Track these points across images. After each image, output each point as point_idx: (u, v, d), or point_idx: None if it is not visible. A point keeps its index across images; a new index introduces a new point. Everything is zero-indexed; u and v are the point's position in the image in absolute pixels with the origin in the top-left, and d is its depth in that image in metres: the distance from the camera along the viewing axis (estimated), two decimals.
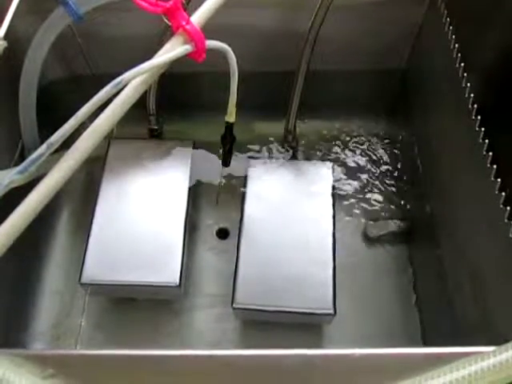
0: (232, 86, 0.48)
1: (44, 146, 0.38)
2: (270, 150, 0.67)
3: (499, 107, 0.42)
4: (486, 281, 0.43)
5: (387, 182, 0.66)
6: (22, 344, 0.55)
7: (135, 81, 0.40)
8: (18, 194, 0.38)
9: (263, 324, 0.55)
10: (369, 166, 0.67)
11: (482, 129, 0.42)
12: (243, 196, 0.57)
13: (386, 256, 0.61)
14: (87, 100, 0.37)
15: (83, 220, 0.59)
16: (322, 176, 0.58)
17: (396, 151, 0.68)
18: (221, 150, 0.58)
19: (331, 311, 0.50)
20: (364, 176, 0.66)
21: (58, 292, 0.59)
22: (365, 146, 0.69)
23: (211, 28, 0.42)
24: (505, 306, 0.39)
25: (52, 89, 0.62)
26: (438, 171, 0.55)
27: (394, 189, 0.65)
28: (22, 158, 0.53)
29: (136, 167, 0.58)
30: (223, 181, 0.65)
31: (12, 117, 0.49)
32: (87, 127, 0.39)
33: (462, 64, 0.46)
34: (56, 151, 0.39)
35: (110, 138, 0.60)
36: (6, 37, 0.43)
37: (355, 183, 0.66)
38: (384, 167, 0.67)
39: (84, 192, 0.65)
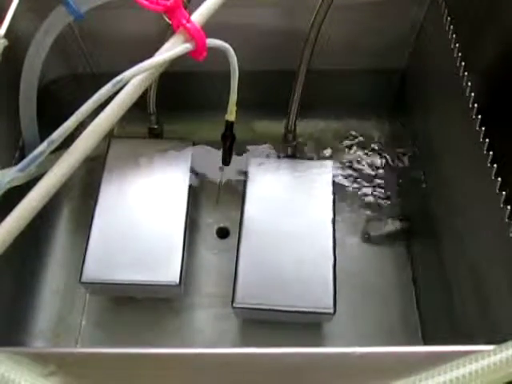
0: (232, 85, 0.48)
1: (45, 144, 0.38)
2: (270, 149, 0.67)
3: (499, 107, 0.42)
4: (486, 280, 0.43)
5: (387, 181, 0.66)
6: (23, 342, 0.55)
7: (136, 79, 0.40)
8: (17, 193, 0.38)
9: (263, 323, 0.55)
10: (369, 166, 0.67)
11: (483, 128, 0.42)
12: (243, 195, 0.57)
13: (385, 255, 0.61)
14: (88, 99, 0.37)
15: (83, 219, 0.59)
16: (322, 175, 0.58)
17: (396, 151, 0.68)
18: (221, 149, 0.59)
19: (331, 310, 0.50)
20: (364, 176, 0.66)
21: (58, 291, 0.59)
22: (365, 146, 0.69)
23: (212, 27, 0.42)
24: (505, 305, 0.39)
25: (52, 87, 0.62)
26: (439, 171, 0.55)
27: (394, 188, 0.65)
28: (23, 156, 0.52)
29: (136, 166, 0.58)
30: (223, 180, 0.65)
31: (12, 115, 0.49)
32: (88, 126, 0.39)
33: (463, 64, 0.46)
34: (56, 150, 0.39)
35: (110, 137, 0.60)
36: (7, 35, 0.43)
37: (355, 183, 0.66)
38: (384, 167, 0.67)
39: (84, 191, 0.65)
